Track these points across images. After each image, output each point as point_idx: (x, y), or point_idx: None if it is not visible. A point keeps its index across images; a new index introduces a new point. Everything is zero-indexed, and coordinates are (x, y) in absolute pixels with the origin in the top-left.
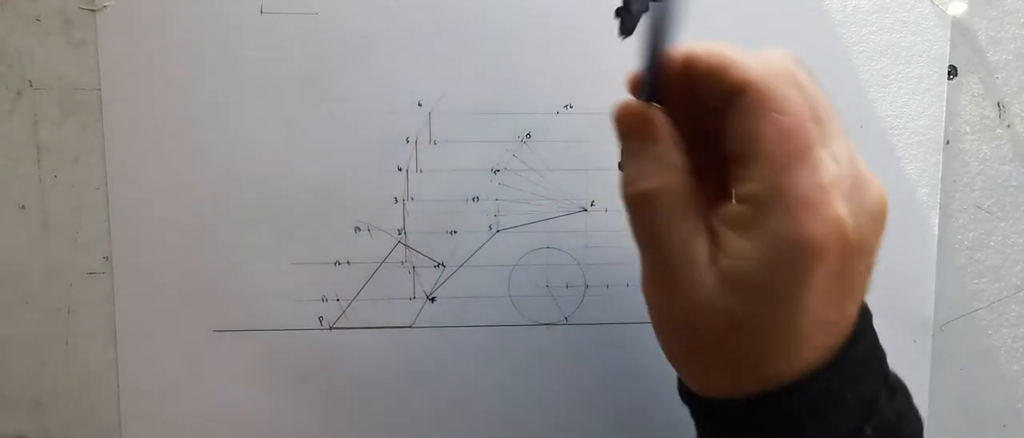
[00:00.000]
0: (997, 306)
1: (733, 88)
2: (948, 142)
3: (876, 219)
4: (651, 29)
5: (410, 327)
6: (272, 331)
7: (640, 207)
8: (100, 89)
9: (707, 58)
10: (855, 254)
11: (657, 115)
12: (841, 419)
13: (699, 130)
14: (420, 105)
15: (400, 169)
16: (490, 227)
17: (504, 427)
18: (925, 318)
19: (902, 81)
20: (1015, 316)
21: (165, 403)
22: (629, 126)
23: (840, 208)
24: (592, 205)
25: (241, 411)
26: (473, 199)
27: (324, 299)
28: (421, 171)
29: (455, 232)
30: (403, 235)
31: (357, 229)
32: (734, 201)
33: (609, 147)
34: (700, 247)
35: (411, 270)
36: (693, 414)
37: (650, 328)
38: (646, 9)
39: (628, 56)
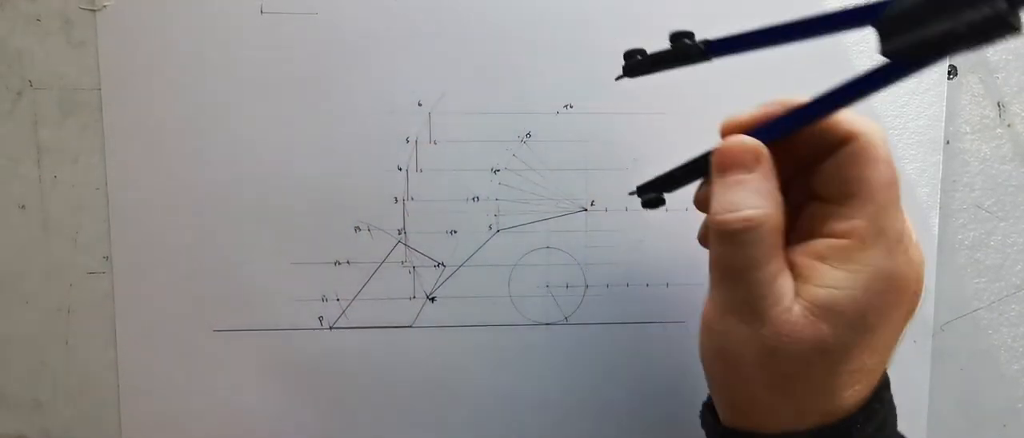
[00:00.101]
0: (997, 306)
1: (841, 137)
2: (948, 142)
3: (924, 276)
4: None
5: (410, 327)
6: (272, 331)
7: (738, 236)
8: (100, 89)
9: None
10: (918, 300)
11: (765, 150)
12: None
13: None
14: (420, 105)
15: (400, 169)
16: (490, 227)
17: (504, 427)
18: (925, 318)
19: (902, 81)
20: (1015, 316)
21: (165, 403)
22: (737, 158)
23: (918, 250)
24: (592, 205)
25: (241, 411)
26: (473, 199)
27: (324, 299)
28: (421, 171)
29: (455, 232)
30: (403, 235)
31: (357, 229)
32: (827, 237)
33: (609, 147)
34: (787, 278)
35: (411, 270)
36: None
37: (650, 328)
38: (662, 202)
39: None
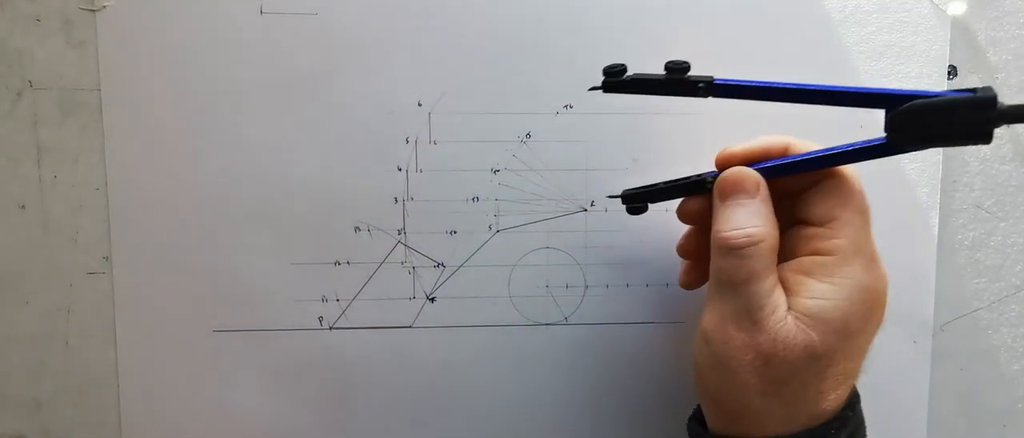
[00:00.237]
0: (997, 306)
1: (824, 172)
2: None
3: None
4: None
5: (410, 327)
6: (272, 331)
7: (741, 252)
8: (100, 89)
9: (802, 146)
10: (884, 309)
11: (763, 179)
12: None
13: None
14: (420, 105)
15: (400, 169)
16: (490, 227)
17: (504, 427)
18: (925, 318)
19: (902, 81)
20: (1015, 316)
21: (165, 403)
22: (741, 184)
23: (886, 273)
24: (592, 205)
25: (241, 411)
26: (473, 199)
27: (324, 299)
28: (421, 171)
29: (455, 232)
30: (403, 235)
31: (357, 229)
32: (812, 255)
33: (609, 147)
34: (780, 292)
35: (411, 270)
36: None
37: (649, 328)
38: (645, 209)
39: (627, 56)
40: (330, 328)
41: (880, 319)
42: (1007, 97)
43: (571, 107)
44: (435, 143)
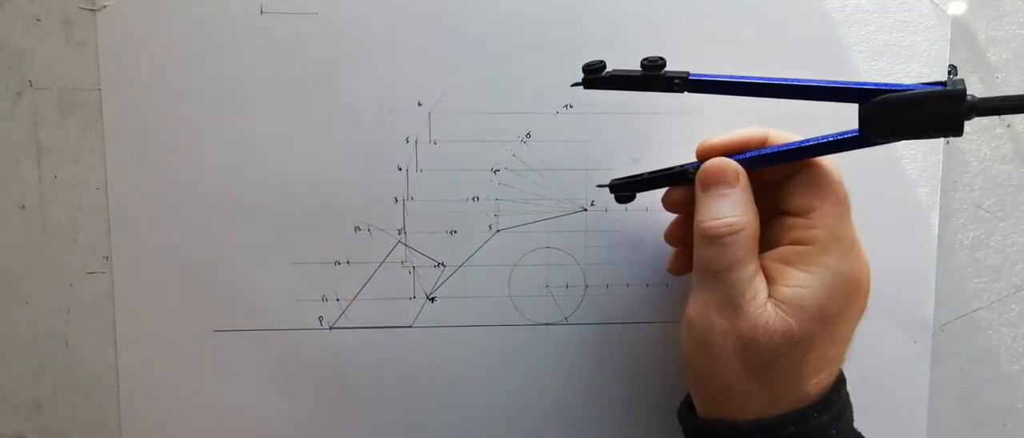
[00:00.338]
0: (997, 306)
1: (803, 163)
2: (948, 142)
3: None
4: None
5: (410, 327)
6: (272, 331)
7: (723, 239)
8: (100, 89)
9: (780, 138)
10: (867, 297)
11: (743, 170)
12: None
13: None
14: (420, 105)
15: (400, 169)
16: (490, 227)
17: (504, 427)
18: (925, 318)
19: (902, 81)
20: (1015, 316)
21: (165, 403)
22: (722, 174)
23: (866, 257)
24: (592, 205)
25: (241, 411)
26: (473, 199)
27: (324, 299)
28: (421, 171)
29: (455, 232)
30: (403, 235)
31: (357, 229)
32: (792, 244)
33: (609, 147)
34: (761, 279)
35: (411, 270)
36: (691, 437)
37: (650, 328)
38: (632, 198)
39: (627, 56)
40: (330, 328)
41: (862, 306)
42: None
43: (571, 107)
44: (435, 143)
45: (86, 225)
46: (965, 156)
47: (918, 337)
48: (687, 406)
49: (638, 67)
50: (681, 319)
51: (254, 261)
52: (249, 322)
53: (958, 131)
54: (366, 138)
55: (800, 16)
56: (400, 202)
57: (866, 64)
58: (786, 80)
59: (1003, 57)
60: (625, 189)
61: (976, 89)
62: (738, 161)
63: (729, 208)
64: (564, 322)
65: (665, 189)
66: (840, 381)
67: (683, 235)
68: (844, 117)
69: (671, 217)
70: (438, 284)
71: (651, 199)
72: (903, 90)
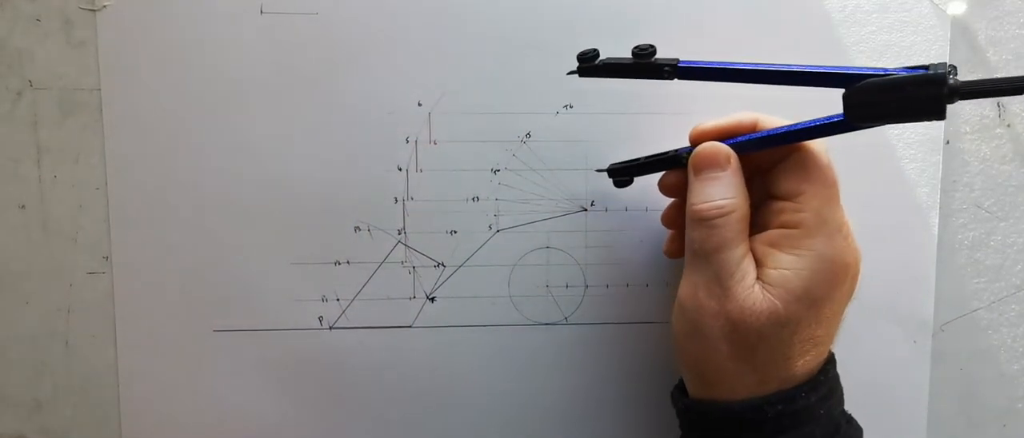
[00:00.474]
0: (997, 306)
1: (792, 148)
2: (948, 142)
3: (860, 263)
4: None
5: (410, 327)
6: (272, 331)
7: (713, 221)
8: (100, 89)
9: (770, 122)
10: (856, 283)
11: (734, 154)
12: (816, 429)
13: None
14: (420, 105)
15: (400, 169)
16: (490, 227)
17: (504, 427)
18: (925, 318)
19: None
20: (1015, 316)
21: (165, 403)
22: (713, 158)
23: (856, 242)
24: (592, 205)
25: (241, 411)
26: (473, 199)
27: (324, 299)
28: (421, 171)
29: (455, 232)
30: (403, 235)
31: (357, 229)
32: (779, 227)
33: (609, 147)
34: (750, 262)
35: (411, 270)
36: (685, 420)
37: (650, 328)
38: (630, 182)
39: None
40: (330, 328)
41: (850, 289)
42: (1007, 97)
43: (571, 107)
44: (435, 143)
45: (86, 225)
46: (965, 156)
47: (918, 337)
48: (680, 389)
49: (646, 56)
50: None
51: (254, 261)
52: (249, 322)
53: (941, 115)
54: (366, 138)
55: (800, 16)
56: (400, 202)
57: (866, 64)
58: (773, 66)
59: (1003, 57)
60: (623, 173)
61: (1015, 96)
62: (729, 145)
63: (719, 191)
64: (564, 322)
65: (661, 175)
66: (829, 362)
67: (678, 218)
68: (840, 104)
69: (668, 201)
70: (438, 284)
71: (652, 199)
72: (884, 74)
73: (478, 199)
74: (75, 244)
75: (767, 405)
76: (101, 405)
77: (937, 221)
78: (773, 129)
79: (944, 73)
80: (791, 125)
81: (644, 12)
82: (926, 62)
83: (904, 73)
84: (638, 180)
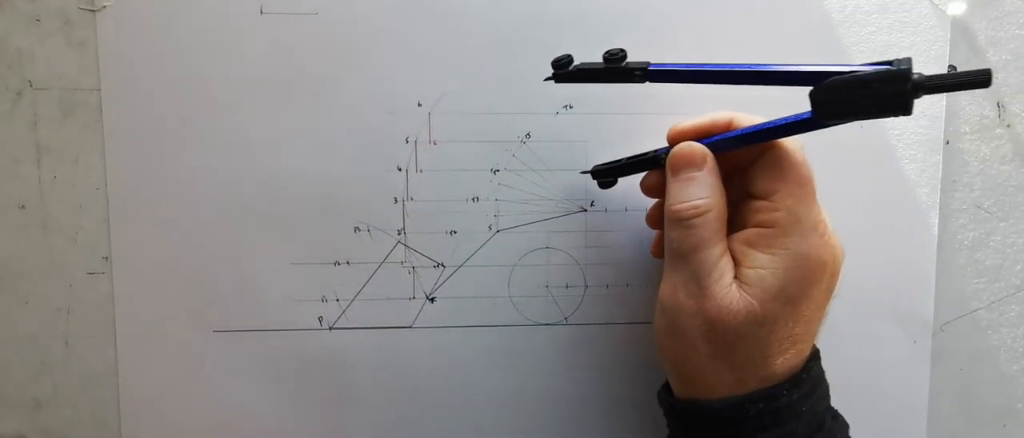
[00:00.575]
0: (997, 306)
1: (766, 144)
2: (948, 142)
3: (842, 260)
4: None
5: (410, 327)
6: (272, 331)
7: (689, 221)
8: (100, 89)
9: (746, 121)
10: (835, 280)
11: (710, 154)
12: (798, 426)
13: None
14: (420, 105)
15: (400, 169)
16: (490, 227)
17: (504, 427)
18: (925, 318)
19: None
20: (1015, 316)
21: (165, 403)
22: (689, 158)
23: (834, 240)
24: (592, 205)
25: (241, 411)
26: (473, 199)
27: (324, 299)
28: (421, 171)
29: (455, 232)
30: (403, 235)
31: (357, 229)
32: (756, 227)
33: (609, 147)
34: (728, 261)
35: (411, 270)
36: (671, 418)
37: (649, 328)
38: (614, 183)
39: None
40: (330, 328)
41: (827, 287)
42: (1007, 97)
43: (571, 107)
44: (435, 143)
45: (86, 225)
46: (965, 156)
47: (918, 337)
48: (667, 388)
49: (616, 61)
50: None
51: (254, 261)
52: (249, 322)
53: (907, 111)
54: (366, 138)
55: (800, 16)
56: (400, 202)
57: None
58: (742, 66)
59: (1003, 57)
60: (606, 174)
61: (976, 89)
62: (705, 145)
63: (696, 191)
64: (564, 322)
65: (643, 176)
66: (812, 359)
67: (662, 219)
68: None
69: (648, 202)
70: (438, 284)
71: (651, 199)
72: (848, 72)
73: (478, 199)
74: (75, 244)
75: (748, 404)
76: (101, 405)
77: (937, 221)
78: (745, 128)
79: (907, 69)
80: (762, 124)
81: (644, 12)
82: (926, 63)
83: (869, 69)
84: (636, 179)
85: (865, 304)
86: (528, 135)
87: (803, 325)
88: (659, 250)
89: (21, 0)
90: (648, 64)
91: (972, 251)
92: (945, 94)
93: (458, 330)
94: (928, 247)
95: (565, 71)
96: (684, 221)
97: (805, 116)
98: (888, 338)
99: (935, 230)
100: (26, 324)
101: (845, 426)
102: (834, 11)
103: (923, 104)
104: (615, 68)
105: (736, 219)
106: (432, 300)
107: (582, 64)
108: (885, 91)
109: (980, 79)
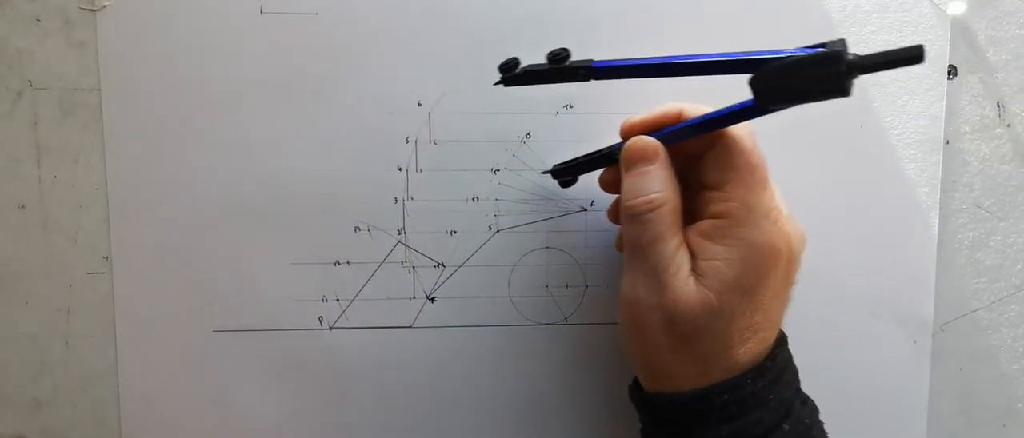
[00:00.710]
0: (997, 306)
1: (715, 134)
2: (948, 142)
3: (802, 246)
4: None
5: (410, 327)
6: (272, 331)
7: (644, 216)
8: (100, 89)
9: (696, 111)
10: (793, 266)
11: (662, 147)
12: (764, 415)
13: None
14: (420, 105)
15: (400, 169)
16: (490, 227)
17: (504, 427)
18: (925, 318)
19: (902, 81)
20: (1015, 316)
21: (165, 403)
22: (641, 153)
23: (789, 226)
24: (592, 205)
25: (241, 411)
26: (473, 199)
27: (324, 299)
28: (421, 171)
29: (455, 232)
30: (403, 235)
31: (357, 229)
32: (710, 218)
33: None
34: (685, 254)
35: (411, 270)
36: (642, 412)
37: None
38: (574, 182)
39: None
40: (330, 328)
41: (784, 274)
42: (1007, 97)
43: (571, 107)
44: (435, 143)
45: (86, 225)
46: (965, 156)
47: (918, 337)
48: (636, 383)
49: (560, 61)
50: None
51: (254, 261)
52: (249, 322)
53: (844, 92)
54: (366, 138)
55: (800, 16)
56: (400, 202)
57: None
58: (684, 58)
59: (1003, 57)
60: (565, 173)
61: (976, 89)
62: (656, 138)
63: (649, 185)
64: (564, 322)
65: (600, 172)
66: (777, 346)
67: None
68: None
69: (610, 198)
70: (438, 284)
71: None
72: (783, 56)
73: (478, 199)
74: (75, 244)
75: (713, 395)
76: (101, 405)
77: (937, 221)
78: (692, 118)
79: (841, 50)
80: (707, 114)
81: (643, 12)
82: (926, 63)
83: (800, 53)
84: None
85: (865, 304)
86: (528, 135)
87: (762, 314)
88: (622, 245)
89: (21, 0)
90: (591, 62)
91: (972, 251)
92: (945, 94)
93: (458, 330)
94: (928, 247)
95: (513, 74)
96: (639, 216)
97: (749, 103)
98: (888, 338)
99: (935, 230)
100: (26, 324)
101: (814, 410)
102: (834, 11)
103: (923, 104)
104: (559, 68)
105: (693, 211)
106: (432, 300)
107: (528, 66)
108: (820, 73)
109: (913, 55)
